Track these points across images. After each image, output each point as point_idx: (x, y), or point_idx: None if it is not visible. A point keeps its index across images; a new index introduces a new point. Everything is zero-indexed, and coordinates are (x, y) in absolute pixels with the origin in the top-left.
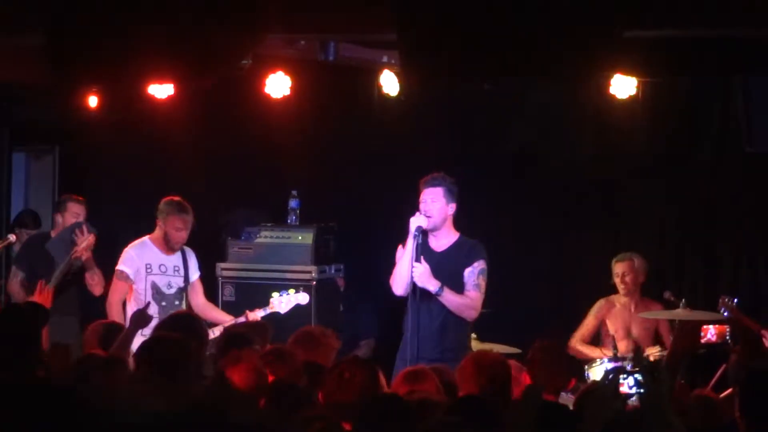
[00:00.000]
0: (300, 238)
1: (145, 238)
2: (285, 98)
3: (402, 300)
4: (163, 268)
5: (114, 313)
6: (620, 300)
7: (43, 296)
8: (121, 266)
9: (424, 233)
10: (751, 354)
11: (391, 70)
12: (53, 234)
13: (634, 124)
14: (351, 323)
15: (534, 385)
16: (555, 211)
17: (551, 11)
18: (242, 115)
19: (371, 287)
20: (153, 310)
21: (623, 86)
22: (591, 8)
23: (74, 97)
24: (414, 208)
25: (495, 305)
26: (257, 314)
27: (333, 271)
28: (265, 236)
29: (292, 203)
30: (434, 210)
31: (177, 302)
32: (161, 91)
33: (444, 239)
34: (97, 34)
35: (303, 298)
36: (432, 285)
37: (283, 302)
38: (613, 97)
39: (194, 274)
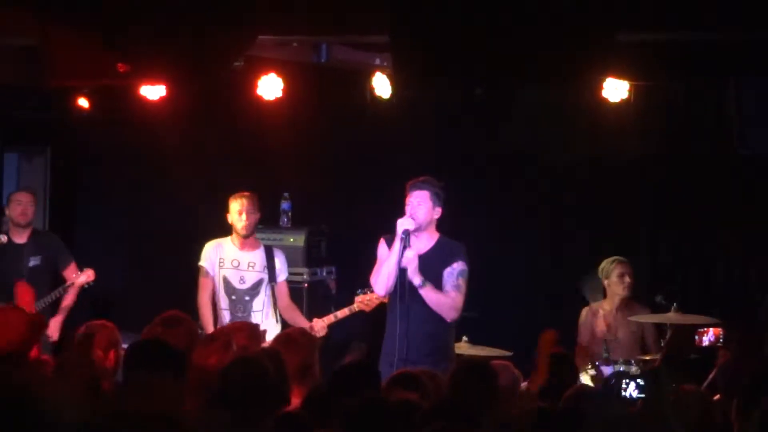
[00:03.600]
0: (292, 240)
1: (225, 237)
2: (277, 100)
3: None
4: (235, 263)
5: (206, 314)
6: (603, 305)
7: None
8: (200, 262)
9: (409, 235)
10: (748, 354)
11: (383, 72)
12: None
13: (626, 127)
14: (342, 326)
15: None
16: (547, 213)
17: (545, 16)
18: (234, 116)
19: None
20: (223, 303)
21: (615, 89)
22: (584, 12)
23: (66, 98)
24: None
25: (486, 308)
26: (342, 313)
27: (324, 274)
28: (257, 238)
29: (284, 205)
30: (420, 213)
31: (247, 298)
32: (153, 92)
33: (425, 242)
34: (88, 35)
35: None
36: (417, 277)
37: (366, 301)
38: (605, 100)
39: (280, 276)
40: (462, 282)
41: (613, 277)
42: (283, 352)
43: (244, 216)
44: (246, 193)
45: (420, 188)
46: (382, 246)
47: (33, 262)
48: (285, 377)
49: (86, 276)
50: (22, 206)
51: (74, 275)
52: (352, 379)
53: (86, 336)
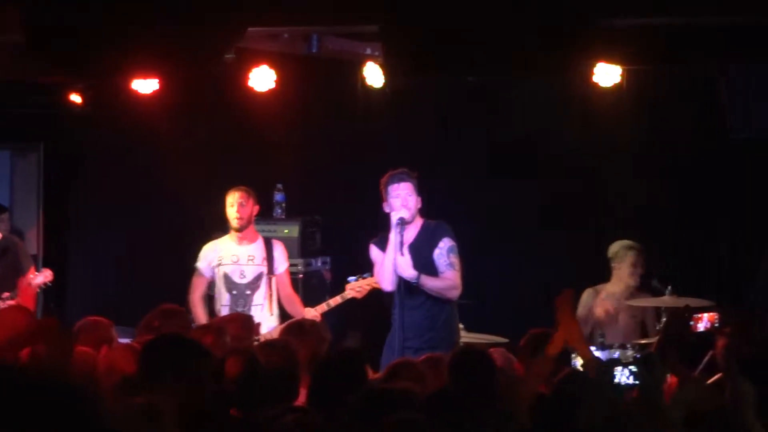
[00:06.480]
0: (286, 231)
1: (223, 236)
2: (269, 92)
3: (388, 293)
4: (234, 258)
5: (198, 312)
6: (607, 288)
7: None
8: (196, 263)
9: (404, 223)
10: (741, 338)
11: (374, 62)
12: None
13: (618, 113)
14: (338, 315)
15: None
16: (540, 199)
17: (532, 3)
18: (227, 109)
19: None
20: (223, 299)
21: (607, 75)
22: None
23: (59, 94)
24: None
25: (481, 295)
26: (334, 301)
27: (319, 264)
28: (256, 230)
29: (278, 196)
30: (411, 204)
31: (249, 292)
32: (146, 86)
33: (412, 231)
34: (80, 30)
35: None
36: (408, 274)
37: (358, 287)
38: (596, 85)
39: (280, 267)
40: (454, 258)
41: (625, 266)
42: (294, 343)
43: (235, 208)
44: (241, 187)
45: (405, 180)
46: (373, 250)
47: None
48: (295, 370)
49: (43, 276)
50: None
51: (31, 276)
52: (336, 368)
53: (68, 333)
